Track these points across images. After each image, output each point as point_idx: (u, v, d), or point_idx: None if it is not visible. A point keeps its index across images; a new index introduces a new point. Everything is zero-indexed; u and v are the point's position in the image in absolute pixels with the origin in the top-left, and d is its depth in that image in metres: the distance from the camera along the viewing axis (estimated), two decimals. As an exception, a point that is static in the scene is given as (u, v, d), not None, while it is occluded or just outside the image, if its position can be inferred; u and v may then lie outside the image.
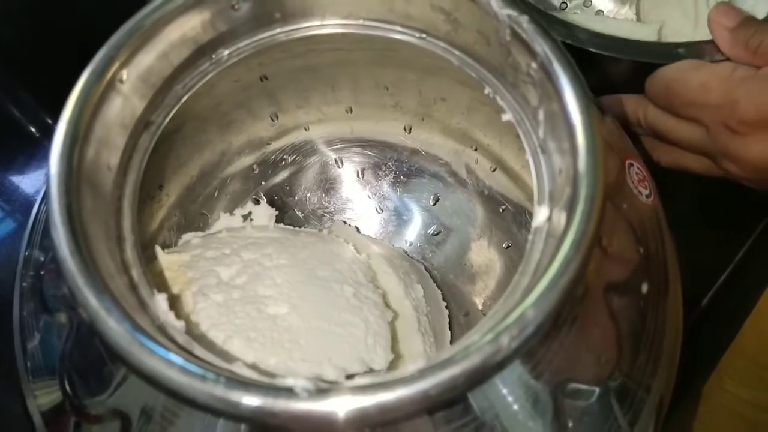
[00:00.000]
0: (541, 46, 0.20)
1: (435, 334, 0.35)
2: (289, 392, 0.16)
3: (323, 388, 0.16)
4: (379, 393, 0.16)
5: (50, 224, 0.18)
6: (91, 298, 0.17)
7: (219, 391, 0.16)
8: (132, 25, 0.21)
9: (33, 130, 0.49)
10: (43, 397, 0.24)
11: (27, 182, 0.47)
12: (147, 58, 0.22)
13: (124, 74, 0.21)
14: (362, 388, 0.16)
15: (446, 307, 0.37)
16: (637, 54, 0.33)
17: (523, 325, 0.17)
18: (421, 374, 0.16)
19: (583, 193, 0.18)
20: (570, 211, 0.19)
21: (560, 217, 0.20)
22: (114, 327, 0.17)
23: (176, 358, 0.16)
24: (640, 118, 0.33)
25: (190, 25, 0.22)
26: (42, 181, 0.47)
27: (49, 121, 0.49)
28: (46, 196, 0.18)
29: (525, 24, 0.21)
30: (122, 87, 0.21)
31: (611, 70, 0.34)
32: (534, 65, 0.21)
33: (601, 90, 0.32)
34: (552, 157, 0.21)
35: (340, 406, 0.16)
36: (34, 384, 0.24)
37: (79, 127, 0.19)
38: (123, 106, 0.21)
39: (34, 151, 0.48)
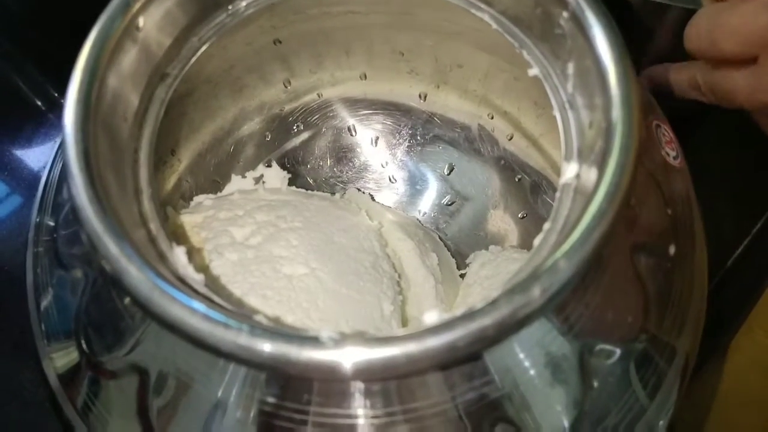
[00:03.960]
0: (572, -6, 0.20)
1: (449, 303, 0.34)
2: (314, 341, 0.16)
3: (348, 337, 0.16)
4: (408, 343, 0.15)
5: (67, 172, 0.17)
6: (111, 246, 0.16)
7: (243, 338, 0.15)
8: (148, -29, 0.20)
9: (39, 103, 0.48)
10: (60, 359, 0.23)
11: (32, 156, 0.47)
12: (163, 6, 0.21)
13: (141, 21, 0.20)
14: (389, 339, 0.16)
15: (461, 276, 0.36)
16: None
17: (554, 275, 0.16)
18: (448, 325, 0.16)
19: (617, 144, 0.18)
20: (602, 164, 0.18)
21: (590, 173, 0.19)
22: (136, 275, 0.16)
23: (199, 306, 0.16)
24: (699, 81, 0.29)
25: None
26: (48, 154, 0.46)
27: (55, 95, 0.48)
28: (61, 143, 0.18)
29: (555, -27, 0.20)
30: (138, 35, 0.20)
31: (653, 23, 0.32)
32: (565, 15, 0.20)
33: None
34: (581, 111, 0.21)
35: (365, 354, 0.15)
36: (49, 347, 0.24)
37: (95, 74, 0.19)
38: (139, 54, 0.21)
39: (40, 125, 0.47)
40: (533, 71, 0.22)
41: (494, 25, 0.23)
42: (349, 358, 0.16)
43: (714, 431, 0.35)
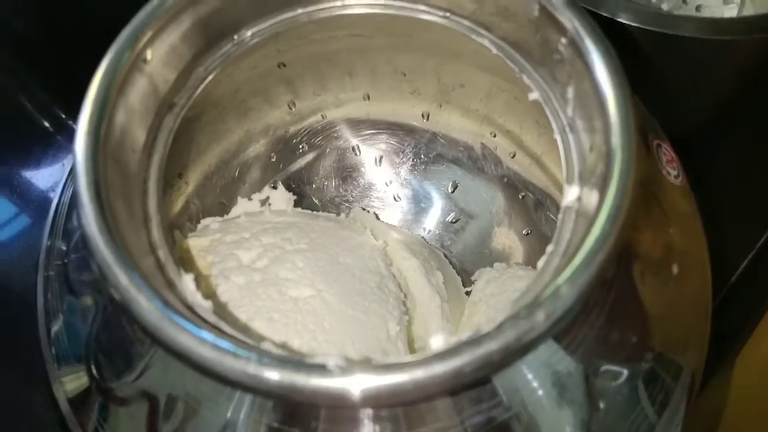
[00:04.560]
0: (571, 21, 0.20)
1: (455, 322, 0.34)
2: (321, 369, 0.16)
3: (356, 364, 0.16)
4: (415, 369, 0.16)
5: (77, 202, 0.18)
6: (121, 276, 0.17)
7: (251, 367, 0.16)
8: (156, 4, 0.21)
9: (47, 124, 0.49)
10: (70, 383, 0.24)
11: (40, 177, 0.47)
12: (171, 38, 0.21)
13: (149, 54, 0.21)
14: (396, 366, 0.16)
15: (466, 293, 0.37)
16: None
17: (557, 301, 0.16)
18: (455, 351, 0.16)
19: (616, 168, 0.18)
20: (603, 187, 0.18)
21: (591, 197, 0.20)
22: (145, 304, 0.16)
23: (207, 335, 0.16)
24: None
25: (214, 4, 0.22)
26: (57, 175, 0.46)
27: (63, 115, 0.49)
28: (72, 173, 0.18)
29: (554, -1, 0.20)
30: (146, 67, 0.21)
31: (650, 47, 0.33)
32: (563, 41, 0.21)
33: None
34: (581, 135, 0.21)
35: (372, 382, 0.16)
36: (60, 370, 0.24)
37: (105, 106, 0.19)
38: (147, 86, 0.21)
39: (48, 146, 0.48)
40: (533, 95, 0.23)
41: (494, 50, 0.24)
42: (356, 385, 0.16)
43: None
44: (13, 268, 0.43)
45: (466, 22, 0.24)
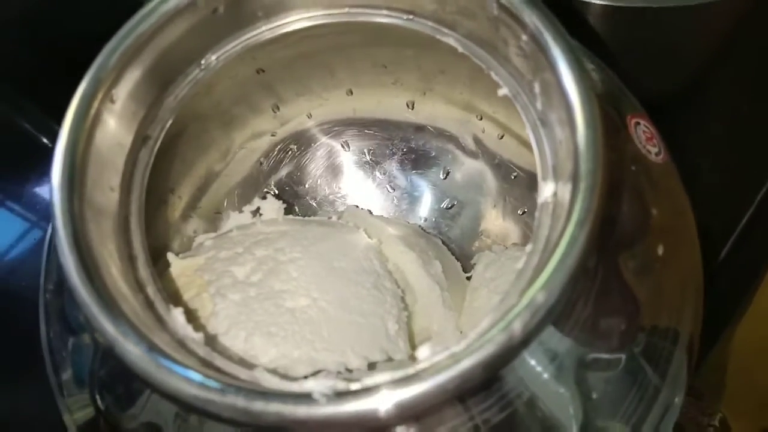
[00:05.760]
0: (530, 17, 0.20)
1: (457, 308, 0.35)
2: (308, 398, 0.16)
3: (341, 392, 0.16)
4: (398, 389, 0.16)
5: (59, 254, 0.18)
6: (106, 324, 0.17)
7: (240, 402, 0.16)
8: (114, 44, 0.21)
9: (44, 140, 0.50)
10: (78, 411, 0.24)
11: (47, 191, 0.48)
12: (135, 74, 0.21)
13: (114, 94, 0.21)
14: (378, 388, 0.16)
15: (467, 278, 0.37)
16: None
17: (533, 309, 0.17)
18: (436, 369, 0.16)
19: (583, 168, 0.18)
20: (573, 186, 0.18)
21: (565, 192, 0.20)
22: (132, 350, 0.17)
23: (195, 375, 0.16)
24: None
25: (175, 36, 0.22)
26: None
27: (58, 128, 0.49)
28: (51, 227, 0.18)
29: (511, -5, 0.20)
30: (114, 107, 0.21)
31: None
32: (524, 37, 0.20)
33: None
34: (553, 129, 0.21)
35: (357, 406, 0.16)
36: (68, 399, 0.25)
37: (75, 155, 0.19)
38: (117, 125, 0.21)
39: (49, 161, 0.49)
40: (502, 91, 0.23)
41: (460, 49, 0.24)
42: (343, 410, 0.16)
43: (734, 381, 0.35)
44: (28, 281, 0.44)
45: (429, 23, 0.24)
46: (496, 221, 0.38)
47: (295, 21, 0.25)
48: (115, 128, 0.21)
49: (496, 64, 0.23)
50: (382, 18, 0.24)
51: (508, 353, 0.17)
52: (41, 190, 0.48)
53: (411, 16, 0.24)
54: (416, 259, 0.34)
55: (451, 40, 0.24)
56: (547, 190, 0.20)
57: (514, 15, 0.20)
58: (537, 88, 0.21)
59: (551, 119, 0.21)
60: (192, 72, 0.24)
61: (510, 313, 0.17)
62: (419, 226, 0.39)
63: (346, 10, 0.24)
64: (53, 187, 0.19)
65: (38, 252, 0.45)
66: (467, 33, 0.23)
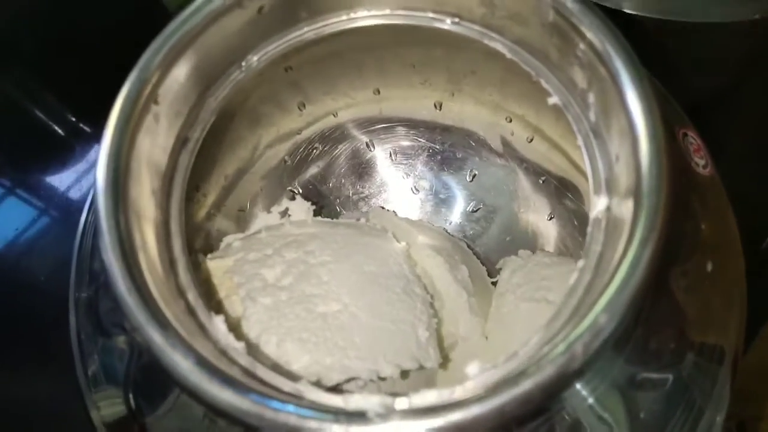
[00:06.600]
0: (589, 26, 0.19)
1: (483, 314, 0.34)
2: (362, 417, 0.16)
3: (395, 410, 0.16)
4: (454, 413, 0.16)
5: (105, 262, 0.18)
6: (155, 335, 0.17)
7: (293, 420, 0.16)
8: (159, 43, 0.20)
9: (60, 131, 0.50)
10: (106, 408, 0.24)
11: (59, 181, 0.48)
12: (180, 74, 0.21)
13: (159, 94, 0.20)
14: (435, 409, 0.16)
15: (492, 284, 0.36)
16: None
17: (595, 331, 0.16)
18: (494, 391, 0.16)
19: (646, 185, 0.17)
20: (636, 203, 0.18)
21: (621, 207, 0.19)
22: (180, 362, 0.16)
23: (252, 394, 0.16)
24: None
25: (220, 36, 0.21)
26: (72, 178, 0.48)
27: (74, 120, 0.49)
28: (96, 234, 0.18)
29: (569, 3, 0.20)
30: (158, 108, 0.20)
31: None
32: (582, 46, 0.20)
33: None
34: (606, 142, 0.20)
35: (414, 428, 0.16)
36: (96, 395, 0.24)
37: (120, 158, 0.19)
38: (161, 127, 0.21)
39: (64, 152, 0.49)
40: (552, 99, 0.22)
41: (508, 55, 0.23)
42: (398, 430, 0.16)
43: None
44: (39, 268, 0.44)
45: (476, 27, 0.23)
46: (522, 225, 0.38)
47: (339, 22, 0.24)
48: (158, 130, 0.21)
49: (546, 71, 0.22)
50: (428, 21, 0.24)
51: (568, 376, 0.16)
52: (51, 179, 0.48)
53: (457, 20, 0.24)
54: (443, 263, 0.34)
55: (498, 45, 0.23)
56: (600, 204, 0.20)
57: (571, 23, 0.20)
58: (591, 98, 0.20)
59: (605, 131, 0.21)
60: (233, 73, 0.23)
61: (571, 334, 0.16)
62: (444, 229, 0.38)
63: (389, 12, 0.24)
64: (98, 191, 0.18)
65: (47, 239, 0.45)
66: (516, 39, 0.23)
